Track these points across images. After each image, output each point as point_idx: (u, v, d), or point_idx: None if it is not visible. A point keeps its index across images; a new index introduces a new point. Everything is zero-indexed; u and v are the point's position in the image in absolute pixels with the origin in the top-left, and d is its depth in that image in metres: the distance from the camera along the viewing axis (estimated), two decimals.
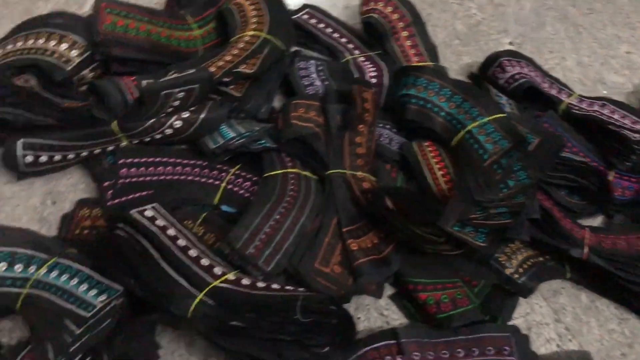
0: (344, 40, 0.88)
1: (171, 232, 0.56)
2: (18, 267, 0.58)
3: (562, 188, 0.71)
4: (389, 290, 0.63)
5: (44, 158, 0.65)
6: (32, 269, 0.58)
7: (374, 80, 0.80)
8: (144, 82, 0.66)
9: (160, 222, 0.56)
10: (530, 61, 0.84)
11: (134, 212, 0.56)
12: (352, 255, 0.60)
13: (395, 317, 0.62)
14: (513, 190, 0.62)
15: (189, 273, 0.53)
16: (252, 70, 0.71)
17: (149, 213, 0.57)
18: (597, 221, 0.71)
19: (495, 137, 0.67)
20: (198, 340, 0.57)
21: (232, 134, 0.66)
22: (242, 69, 0.71)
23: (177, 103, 0.65)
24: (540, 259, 0.65)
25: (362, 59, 0.85)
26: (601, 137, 0.75)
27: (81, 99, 0.72)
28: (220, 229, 0.62)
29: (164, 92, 0.63)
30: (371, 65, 0.83)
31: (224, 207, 0.65)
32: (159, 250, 0.54)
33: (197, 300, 0.52)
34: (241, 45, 0.75)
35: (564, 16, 0.99)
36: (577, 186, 0.70)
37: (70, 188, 0.69)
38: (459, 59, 0.90)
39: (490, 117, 0.68)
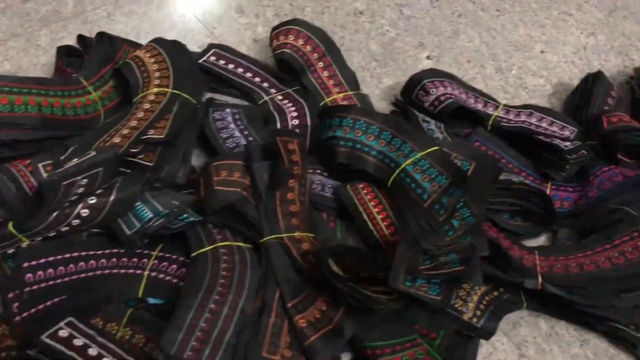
0: (257, 79, 0.82)
1: (93, 351, 0.48)
2: None
3: (504, 211, 0.69)
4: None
5: None
6: None
7: (296, 122, 0.75)
8: (43, 174, 0.58)
9: (78, 341, 0.49)
10: (452, 78, 0.82)
11: (44, 338, 0.48)
12: (301, 334, 0.55)
13: None
14: (459, 231, 0.60)
15: None
16: (163, 135, 0.64)
17: (63, 333, 0.49)
18: (541, 239, 0.70)
19: (431, 173, 0.63)
20: None
21: (149, 214, 0.59)
22: (151, 134, 0.64)
23: (81, 190, 0.57)
24: (495, 293, 0.62)
25: (280, 97, 0.79)
26: (534, 148, 0.74)
27: None
28: (149, 327, 0.55)
29: (65, 182, 0.55)
30: (291, 105, 0.78)
31: (151, 300, 0.58)
32: None
33: None
34: (147, 105, 0.68)
35: (475, 22, 0.98)
36: (519, 209, 0.68)
37: None
38: (379, 82, 0.87)
39: (424, 152, 0.65)
